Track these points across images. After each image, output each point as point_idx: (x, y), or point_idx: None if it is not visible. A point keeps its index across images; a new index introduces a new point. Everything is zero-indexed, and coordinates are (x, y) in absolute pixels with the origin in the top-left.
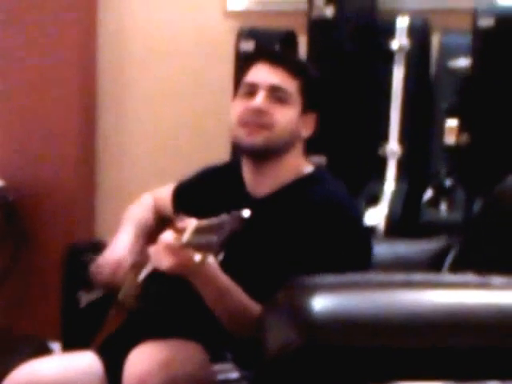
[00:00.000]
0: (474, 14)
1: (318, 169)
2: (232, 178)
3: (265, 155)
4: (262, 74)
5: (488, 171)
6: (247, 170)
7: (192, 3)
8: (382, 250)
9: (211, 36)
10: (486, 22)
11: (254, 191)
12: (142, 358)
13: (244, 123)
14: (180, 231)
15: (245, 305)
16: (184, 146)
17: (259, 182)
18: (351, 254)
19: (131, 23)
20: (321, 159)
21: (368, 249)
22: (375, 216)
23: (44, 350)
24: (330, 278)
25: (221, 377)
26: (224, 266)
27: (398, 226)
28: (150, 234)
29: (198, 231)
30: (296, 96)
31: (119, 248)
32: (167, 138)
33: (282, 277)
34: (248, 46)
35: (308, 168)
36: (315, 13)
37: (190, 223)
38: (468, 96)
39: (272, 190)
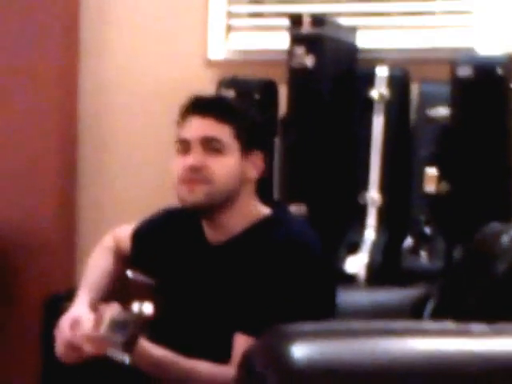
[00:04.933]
0: (453, 64)
1: (276, 210)
2: (191, 225)
3: (210, 209)
4: (193, 128)
5: (467, 219)
6: (203, 220)
7: (173, 52)
8: (362, 297)
9: (192, 85)
10: (465, 72)
11: (211, 239)
12: None
13: (182, 181)
14: (98, 321)
15: (188, 370)
16: (166, 192)
17: (215, 231)
18: (317, 294)
19: (112, 72)
20: (300, 207)
21: (333, 286)
22: (356, 264)
23: None
24: (310, 326)
25: None
26: (185, 313)
27: (378, 274)
28: (113, 277)
29: (112, 325)
30: (231, 142)
31: (75, 309)
32: (149, 185)
33: (246, 323)
34: (229, 94)
35: (265, 210)
36: (295, 62)
37: (107, 313)
38: (447, 145)
39: (229, 237)
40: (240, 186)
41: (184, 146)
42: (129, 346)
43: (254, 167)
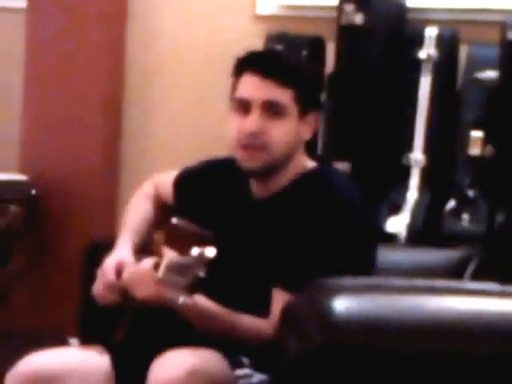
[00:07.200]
0: (503, 26)
1: (322, 164)
2: (235, 178)
3: (266, 173)
4: (254, 89)
5: (511, 184)
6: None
7: (221, 7)
8: (402, 257)
9: (240, 40)
10: None
11: (257, 193)
12: (169, 365)
13: (241, 146)
14: (157, 264)
15: (232, 322)
16: (210, 145)
17: (263, 187)
18: (357, 250)
19: (160, 27)
20: (344, 166)
21: (373, 244)
22: (397, 224)
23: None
24: (351, 281)
25: (242, 382)
26: (228, 266)
27: (419, 235)
28: (152, 225)
29: (171, 268)
30: (291, 105)
31: (119, 252)
32: (192, 138)
33: (286, 278)
34: None
35: (311, 164)
36: (344, 19)
37: (166, 257)
38: (494, 108)
39: (276, 191)
40: (294, 149)
41: (243, 106)
42: (191, 288)
43: (309, 128)
